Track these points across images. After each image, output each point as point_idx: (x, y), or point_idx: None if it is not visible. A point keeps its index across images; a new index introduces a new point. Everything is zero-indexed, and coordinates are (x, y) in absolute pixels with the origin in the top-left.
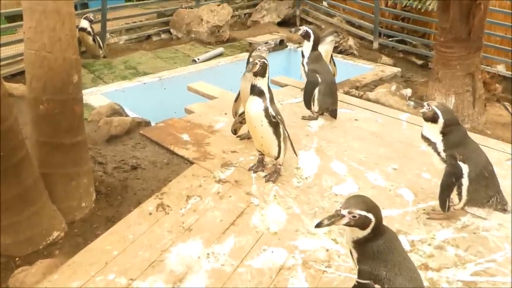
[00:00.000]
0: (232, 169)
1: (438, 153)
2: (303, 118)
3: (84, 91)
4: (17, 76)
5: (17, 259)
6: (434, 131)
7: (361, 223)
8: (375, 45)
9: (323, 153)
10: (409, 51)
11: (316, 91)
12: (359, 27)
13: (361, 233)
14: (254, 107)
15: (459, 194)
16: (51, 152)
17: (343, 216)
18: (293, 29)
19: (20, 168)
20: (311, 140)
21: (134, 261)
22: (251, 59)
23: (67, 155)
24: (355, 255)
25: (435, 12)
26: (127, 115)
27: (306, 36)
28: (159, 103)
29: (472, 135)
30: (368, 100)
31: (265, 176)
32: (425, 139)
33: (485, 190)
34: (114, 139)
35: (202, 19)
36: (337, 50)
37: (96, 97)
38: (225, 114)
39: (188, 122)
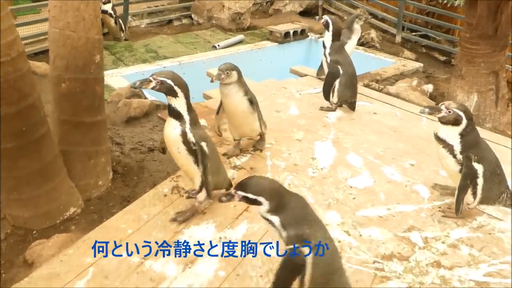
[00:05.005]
0: (247, 156)
1: (454, 155)
2: (321, 108)
3: (104, 73)
4: (39, 55)
5: (34, 232)
6: (453, 133)
7: (251, 203)
8: (398, 39)
9: (340, 144)
10: (433, 46)
11: (337, 82)
12: (382, 19)
13: (262, 209)
14: (170, 131)
15: (474, 194)
16: (71, 130)
17: (233, 196)
18: (317, 17)
19: (41, 144)
20: (328, 131)
21: (148, 240)
22: (218, 70)
23: (87, 133)
24: (276, 221)
25: (461, 8)
26: (146, 98)
27: (325, 26)
28: None
29: (493, 135)
30: (388, 94)
31: (177, 213)
32: (441, 141)
33: (498, 187)
34: (132, 120)
35: (223, 6)
36: (359, 42)
37: (116, 78)
38: None
39: (206, 107)
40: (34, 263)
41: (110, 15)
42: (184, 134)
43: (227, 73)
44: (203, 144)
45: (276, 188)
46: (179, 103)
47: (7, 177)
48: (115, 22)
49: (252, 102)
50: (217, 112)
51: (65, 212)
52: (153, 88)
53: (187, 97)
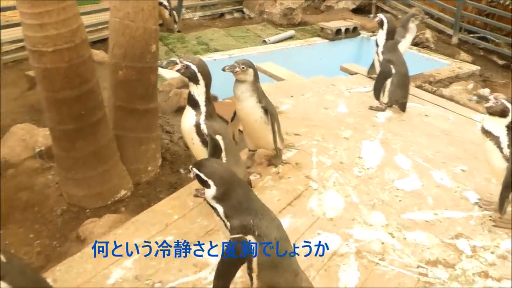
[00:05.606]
0: (293, 151)
1: (501, 149)
2: (371, 108)
3: None
4: (97, 44)
5: (87, 210)
6: (499, 125)
7: (201, 183)
8: (454, 40)
9: (388, 145)
10: (491, 49)
11: (388, 82)
12: (438, 19)
13: (209, 193)
14: (186, 120)
15: None
16: (125, 116)
17: (190, 170)
18: (371, 15)
19: (97, 128)
20: (376, 130)
21: (192, 227)
22: (234, 62)
23: (140, 120)
24: (220, 210)
25: None
26: None
27: (380, 24)
28: (227, 80)
29: None
30: (442, 96)
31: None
32: (487, 133)
33: None
34: (182, 110)
35: (275, 1)
36: (413, 42)
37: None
38: (291, 96)
39: None
40: (86, 239)
41: (165, 6)
42: (198, 125)
43: (243, 67)
44: (218, 137)
45: (228, 177)
46: (198, 91)
47: (66, 156)
48: (170, 14)
49: (267, 111)
50: (232, 119)
51: (116, 194)
52: (178, 71)
53: (207, 86)
